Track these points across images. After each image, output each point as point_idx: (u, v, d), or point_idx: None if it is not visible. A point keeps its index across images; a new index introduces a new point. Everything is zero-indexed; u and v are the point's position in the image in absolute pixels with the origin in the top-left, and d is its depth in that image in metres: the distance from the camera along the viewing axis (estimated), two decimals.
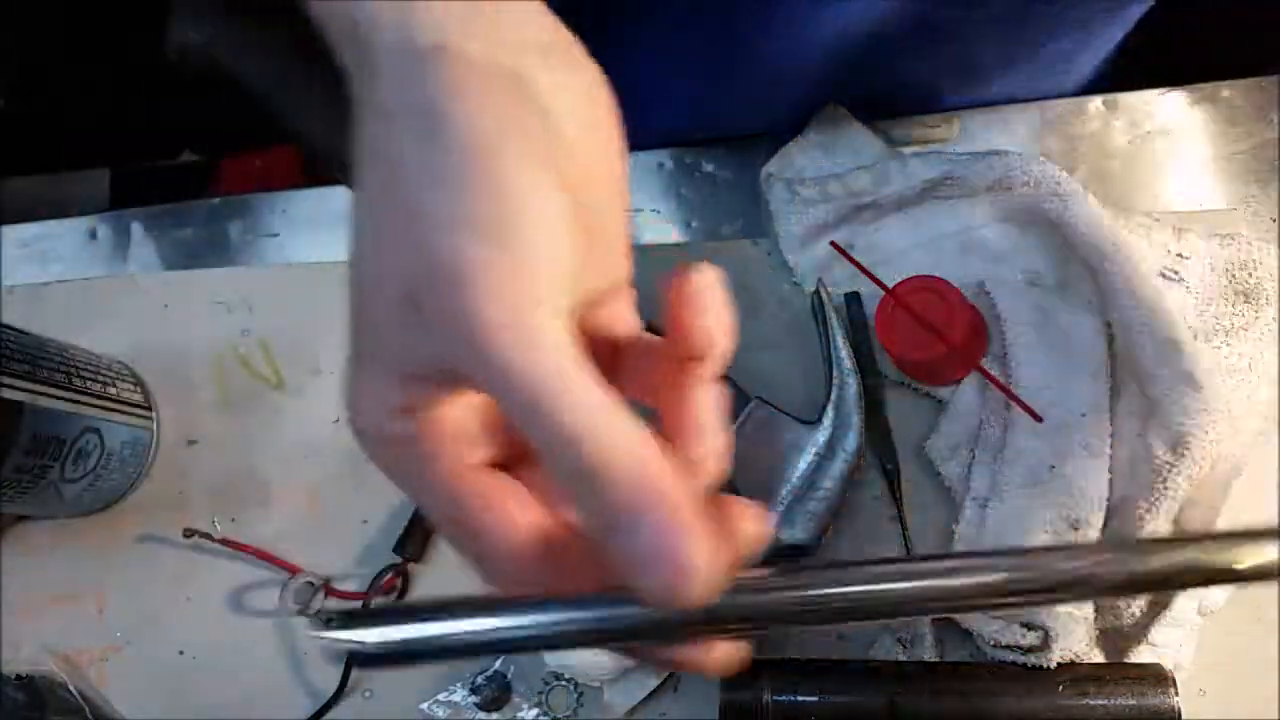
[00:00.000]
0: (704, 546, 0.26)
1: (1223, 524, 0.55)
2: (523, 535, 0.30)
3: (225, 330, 0.68)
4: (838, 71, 0.66)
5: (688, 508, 0.26)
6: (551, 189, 0.29)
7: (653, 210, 0.68)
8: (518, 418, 0.27)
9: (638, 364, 0.34)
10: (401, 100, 0.30)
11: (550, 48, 0.32)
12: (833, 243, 0.63)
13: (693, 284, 0.30)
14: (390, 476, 0.31)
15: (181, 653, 0.63)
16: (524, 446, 0.31)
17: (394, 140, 0.30)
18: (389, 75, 0.30)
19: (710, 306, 0.31)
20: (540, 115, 0.30)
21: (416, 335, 0.29)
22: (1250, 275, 0.59)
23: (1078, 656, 0.54)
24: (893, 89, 0.68)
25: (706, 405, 0.32)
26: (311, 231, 0.70)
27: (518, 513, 0.31)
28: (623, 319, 0.34)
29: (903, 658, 0.56)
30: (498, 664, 0.60)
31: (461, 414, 0.31)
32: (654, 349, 0.33)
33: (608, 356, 0.33)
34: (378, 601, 0.61)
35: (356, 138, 0.32)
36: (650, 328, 0.35)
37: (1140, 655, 0.54)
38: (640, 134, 0.69)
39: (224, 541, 0.62)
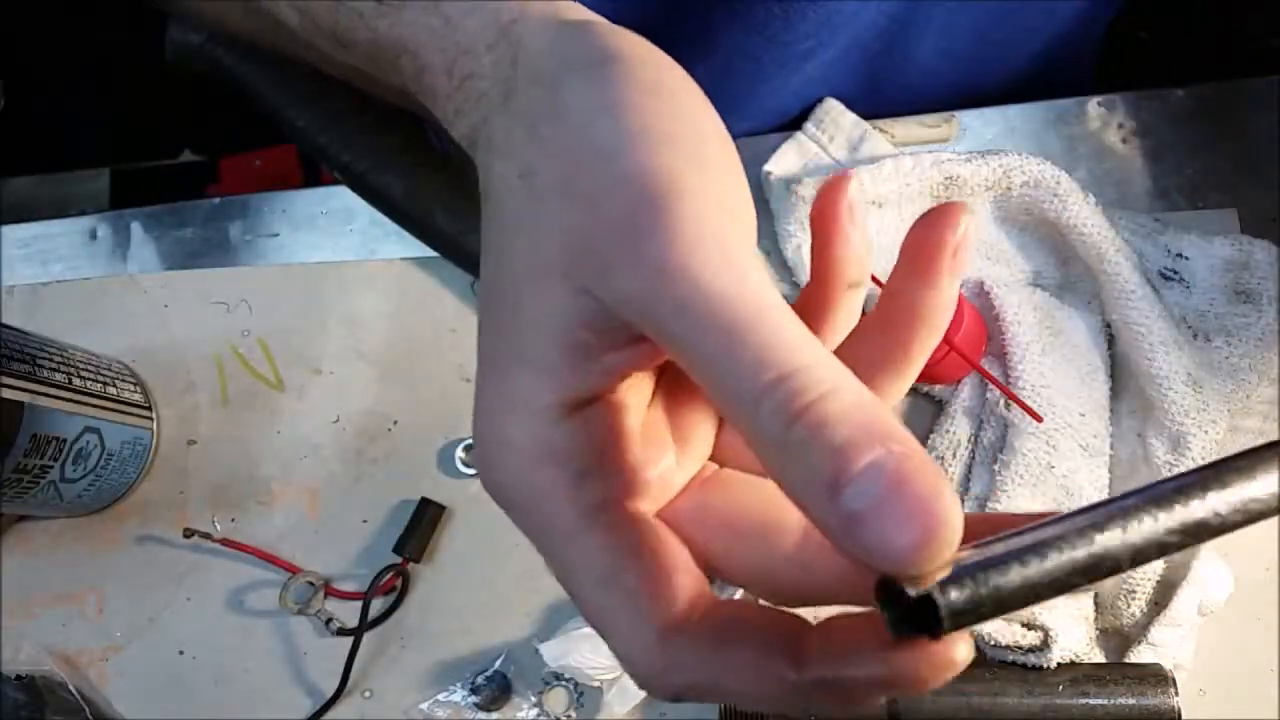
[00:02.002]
0: (953, 492, 0.20)
1: None
2: (689, 613, 0.25)
3: (225, 330, 0.68)
4: (850, 70, 0.67)
5: (921, 449, 0.21)
6: (721, 127, 0.27)
7: None
8: (715, 359, 0.22)
9: None
10: (561, 52, 0.28)
11: None
12: None
13: (850, 196, 0.27)
14: (530, 512, 0.26)
15: (181, 653, 0.63)
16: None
17: (554, 90, 0.27)
18: (542, 42, 0.29)
19: (862, 220, 0.27)
20: (690, 80, 0.29)
21: (580, 298, 0.25)
22: (1250, 275, 0.59)
23: (1078, 656, 0.54)
24: (898, 87, 0.68)
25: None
26: (311, 231, 0.70)
27: (688, 585, 0.25)
28: None
29: None
30: (498, 664, 0.60)
31: (626, 417, 0.27)
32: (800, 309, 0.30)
33: None
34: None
35: (489, 128, 0.29)
36: None
37: (1140, 655, 0.54)
38: None
39: (224, 541, 0.62)
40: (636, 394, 0.28)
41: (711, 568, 0.27)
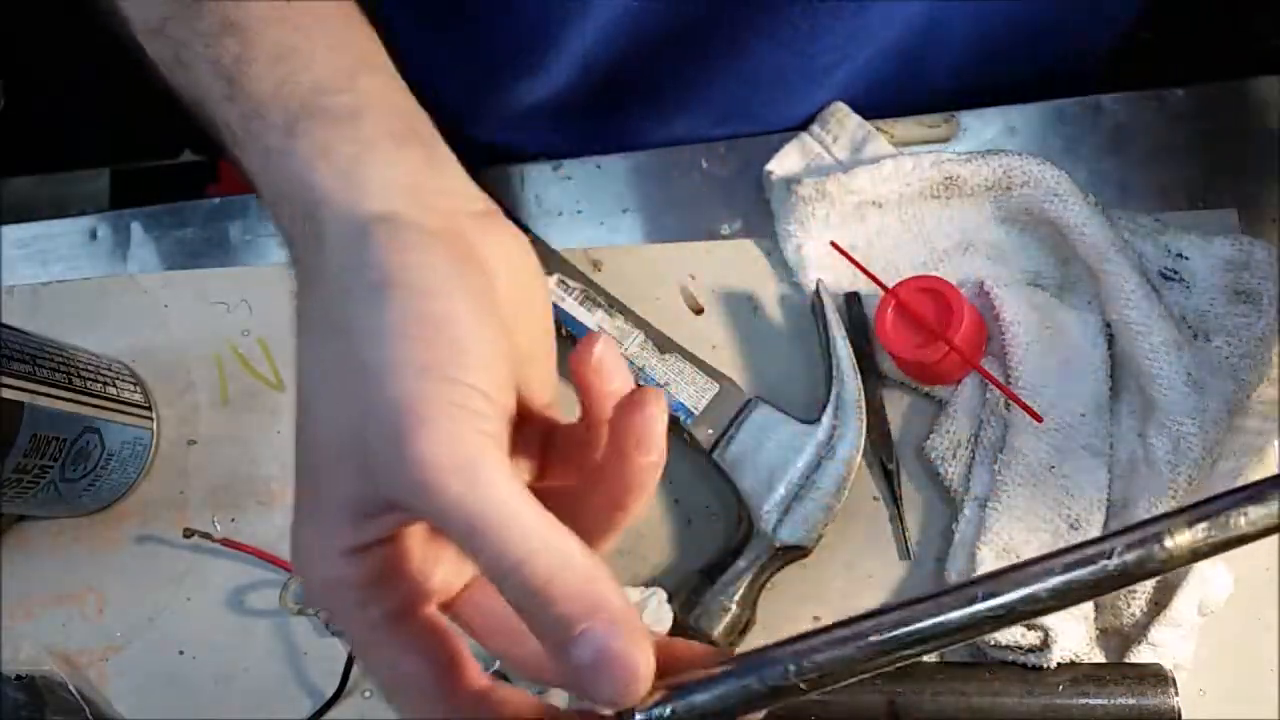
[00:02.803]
0: (645, 648, 0.28)
1: None
2: (455, 699, 0.32)
3: (225, 330, 0.68)
4: (872, 81, 0.67)
5: (629, 616, 0.28)
6: (491, 330, 0.32)
7: (652, 210, 0.68)
8: (466, 548, 0.29)
9: (567, 451, 0.36)
10: (350, 263, 0.32)
11: (483, 215, 0.35)
12: (833, 243, 0.63)
13: (596, 356, 0.33)
14: (336, 622, 0.34)
15: (181, 653, 0.63)
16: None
17: (342, 302, 0.32)
18: (337, 242, 0.33)
19: (615, 372, 0.34)
20: (479, 270, 0.33)
21: (362, 482, 0.31)
22: (1250, 275, 0.59)
23: (1078, 656, 0.54)
24: (916, 94, 0.68)
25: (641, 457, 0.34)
26: None
27: (456, 676, 0.32)
28: (552, 420, 0.37)
29: None
30: (498, 663, 0.60)
31: (407, 549, 0.33)
32: (577, 434, 0.35)
33: (542, 448, 0.36)
34: None
35: (301, 302, 0.34)
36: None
37: (1140, 655, 0.54)
38: (658, 136, 0.70)
39: (224, 541, 0.62)
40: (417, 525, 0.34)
41: (485, 649, 0.35)
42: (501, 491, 0.29)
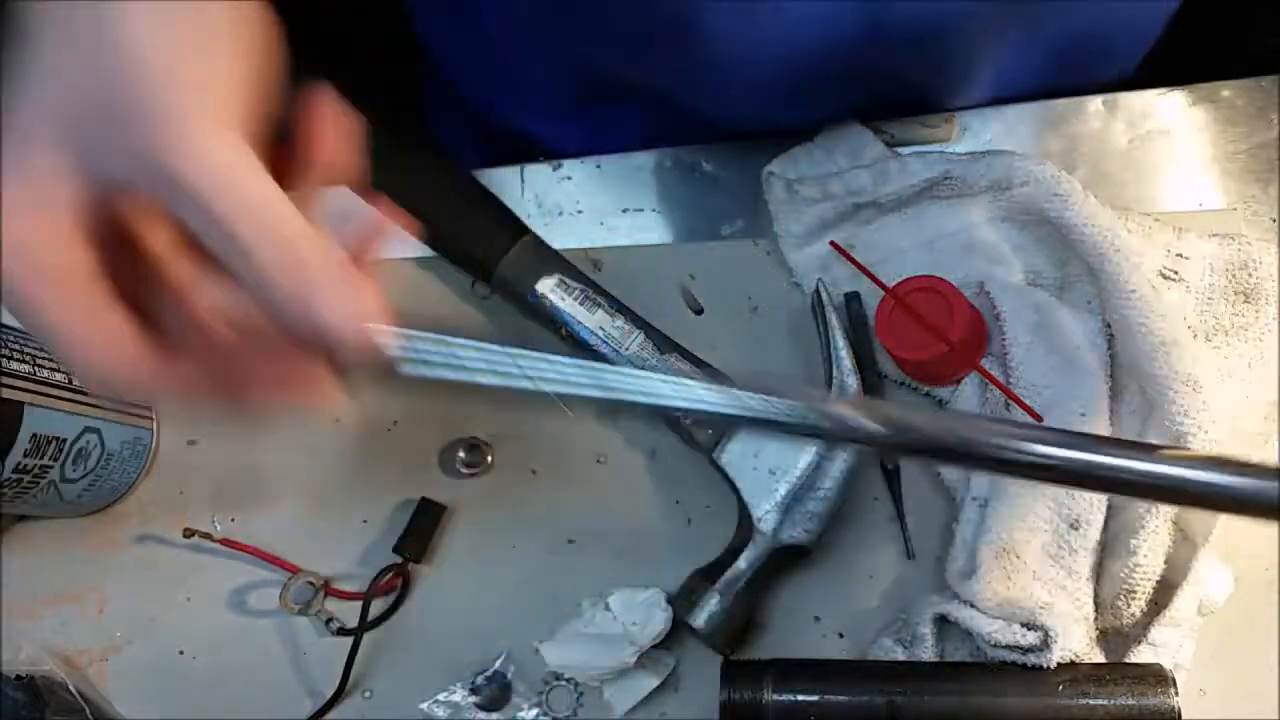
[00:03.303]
0: (340, 293, 0.31)
1: (1221, 525, 0.55)
2: (113, 334, 0.33)
3: None
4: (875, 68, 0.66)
5: (327, 262, 0.31)
6: (246, 30, 0.34)
7: (652, 210, 0.68)
8: (183, 206, 0.31)
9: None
10: None
11: None
12: (833, 243, 0.63)
13: (322, 110, 0.37)
14: (44, 305, 0.33)
15: (181, 653, 0.63)
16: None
17: None
18: None
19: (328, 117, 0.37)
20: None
21: (91, 162, 0.32)
22: (1250, 275, 0.59)
23: (1078, 656, 0.54)
24: (905, 90, 0.68)
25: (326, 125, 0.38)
26: None
27: (111, 315, 0.33)
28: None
29: (903, 658, 0.56)
30: (498, 664, 0.60)
31: (129, 228, 0.34)
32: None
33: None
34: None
35: None
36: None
37: (1140, 655, 0.54)
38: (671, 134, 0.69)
39: (224, 541, 0.63)
40: None
41: None
42: (220, 155, 0.31)
